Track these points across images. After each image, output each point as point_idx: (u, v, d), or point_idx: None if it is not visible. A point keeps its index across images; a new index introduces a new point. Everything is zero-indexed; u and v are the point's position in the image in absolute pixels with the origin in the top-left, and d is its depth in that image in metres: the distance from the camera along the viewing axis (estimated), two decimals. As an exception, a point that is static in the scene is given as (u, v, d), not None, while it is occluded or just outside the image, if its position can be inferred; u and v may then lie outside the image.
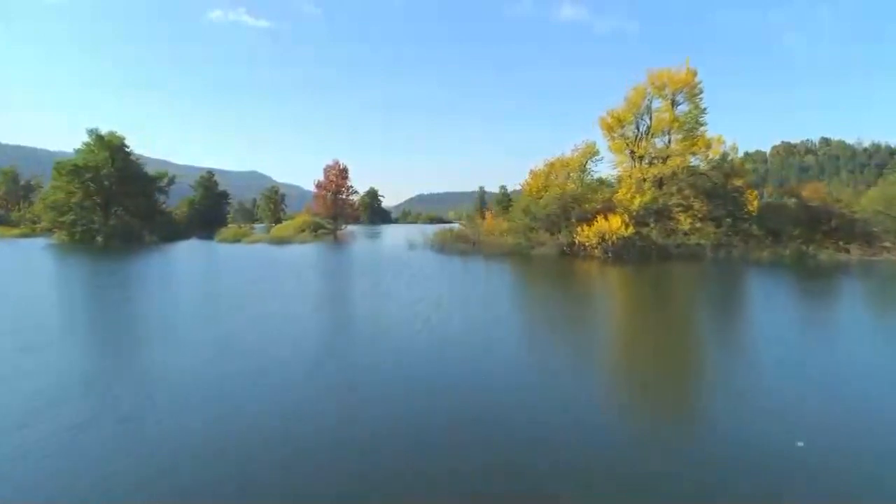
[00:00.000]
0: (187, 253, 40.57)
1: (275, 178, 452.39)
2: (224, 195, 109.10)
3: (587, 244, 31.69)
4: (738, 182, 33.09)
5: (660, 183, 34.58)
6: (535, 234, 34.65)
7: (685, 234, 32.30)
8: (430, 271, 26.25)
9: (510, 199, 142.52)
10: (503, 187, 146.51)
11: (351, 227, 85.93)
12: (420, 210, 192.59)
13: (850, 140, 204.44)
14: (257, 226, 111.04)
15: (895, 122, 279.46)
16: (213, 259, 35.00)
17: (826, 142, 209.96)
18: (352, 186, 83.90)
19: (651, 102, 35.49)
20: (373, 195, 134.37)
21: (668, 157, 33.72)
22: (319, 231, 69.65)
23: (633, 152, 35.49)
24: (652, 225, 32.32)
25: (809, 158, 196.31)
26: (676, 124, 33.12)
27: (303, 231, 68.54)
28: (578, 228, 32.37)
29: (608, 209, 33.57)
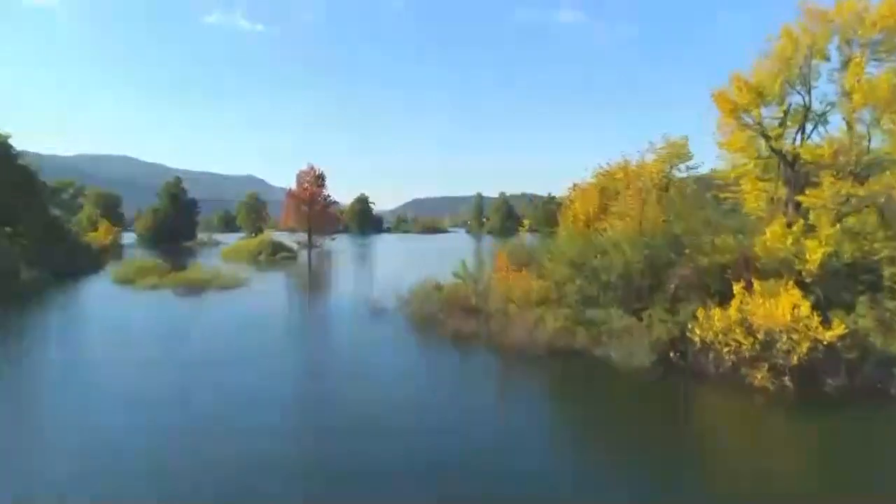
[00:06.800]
0: (34, 312, 22.55)
1: (271, 181, 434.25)
2: (193, 203, 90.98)
3: (725, 349, 13.90)
4: None
5: (836, 217, 16.85)
6: (601, 311, 16.86)
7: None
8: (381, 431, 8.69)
9: (510, 207, 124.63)
10: (502, 193, 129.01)
11: (330, 244, 67.94)
12: (416, 214, 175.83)
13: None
14: (230, 236, 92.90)
15: None
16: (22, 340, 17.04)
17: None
18: (329, 195, 66.66)
19: (811, 61, 17.78)
20: (363, 201, 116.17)
21: (868, 165, 15.97)
22: (279, 255, 51.75)
23: (782, 154, 17.69)
24: (863, 309, 14.30)
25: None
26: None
27: (259, 254, 50.72)
28: (700, 310, 14.63)
29: (745, 265, 15.96)
